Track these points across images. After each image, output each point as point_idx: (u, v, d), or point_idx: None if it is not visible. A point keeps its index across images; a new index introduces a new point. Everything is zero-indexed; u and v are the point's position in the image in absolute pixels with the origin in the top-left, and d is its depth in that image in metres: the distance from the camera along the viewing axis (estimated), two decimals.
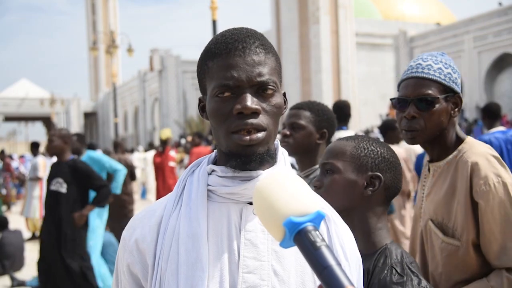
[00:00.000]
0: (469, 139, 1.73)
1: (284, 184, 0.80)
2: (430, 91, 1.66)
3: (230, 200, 0.98)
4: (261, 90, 0.95)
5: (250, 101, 0.92)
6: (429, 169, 1.81)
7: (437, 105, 1.66)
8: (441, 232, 1.69)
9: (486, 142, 4.32)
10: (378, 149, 1.42)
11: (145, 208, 1.05)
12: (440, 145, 1.73)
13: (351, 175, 1.39)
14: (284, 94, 1.03)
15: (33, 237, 9.59)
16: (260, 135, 0.94)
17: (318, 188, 1.45)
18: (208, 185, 0.99)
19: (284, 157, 1.05)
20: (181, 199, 1.00)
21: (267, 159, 0.96)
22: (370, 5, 34.07)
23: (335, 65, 23.33)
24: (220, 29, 10.63)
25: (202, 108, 1.04)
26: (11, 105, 49.91)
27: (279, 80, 0.99)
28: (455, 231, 1.65)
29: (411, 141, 1.73)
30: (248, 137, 0.93)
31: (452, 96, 1.70)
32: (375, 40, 30.72)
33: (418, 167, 6.69)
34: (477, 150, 1.67)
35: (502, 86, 26.04)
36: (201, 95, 1.05)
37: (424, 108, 1.67)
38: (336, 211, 1.10)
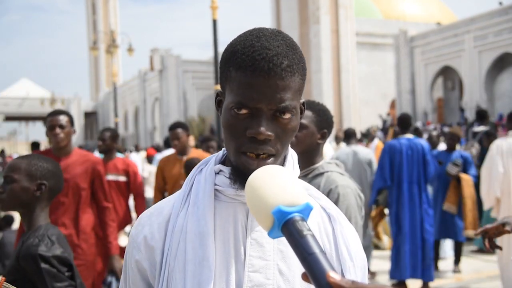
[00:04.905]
0: None
1: (275, 176, 0.83)
2: None
3: (237, 201, 0.99)
4: (279, 113, 0.93)
5: (265, 127, 0.91)
6: None
7: None
8: None
9: (391, 146, 5.42)
10: (44, 164, 1.99)
11: (153, 206, 1.06)
12: None
13: (25, 183, 1.94)
14: (304, 104, 1.01)
15: None
16: (269, 160, 0.94)
17: (1, 193, 1.94)
18: (216, 184, 1.00)
19: (293, 160, 1.05)
20: (189, 197, 1.02)
21: None
22: (371, 4, 34.09)
23: (335, 65, 23.33)
24: (220, 29, 10.63)
25: (218, 103, 1.04)
26: (12, 104, 49.93)
27: (300, 96, 0.98)
28: None
29: None
30: (256, 162, 0.93)
31: None
32: (376, 40, 30.73)
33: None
34: None
35: (502, 86, 26.03)
36: (219, 90, 1.03)
37: None
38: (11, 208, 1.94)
